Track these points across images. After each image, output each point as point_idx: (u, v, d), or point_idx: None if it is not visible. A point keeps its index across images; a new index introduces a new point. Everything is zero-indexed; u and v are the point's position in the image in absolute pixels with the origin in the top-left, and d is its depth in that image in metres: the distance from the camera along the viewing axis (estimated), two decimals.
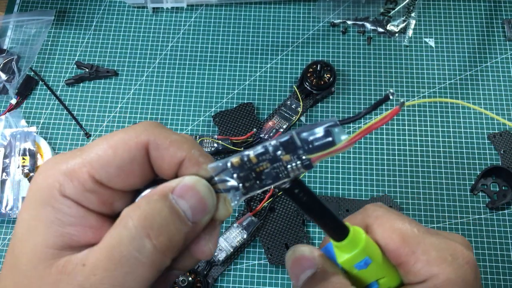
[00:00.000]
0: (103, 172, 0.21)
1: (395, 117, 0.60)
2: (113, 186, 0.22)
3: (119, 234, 0.20)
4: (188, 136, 0.23)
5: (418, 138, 0.59)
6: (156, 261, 0.20)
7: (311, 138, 0.21)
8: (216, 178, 0.22)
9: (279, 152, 0.21)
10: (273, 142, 0.21)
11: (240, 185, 0.21)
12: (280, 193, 0.55)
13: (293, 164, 0.21)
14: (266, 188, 0.21)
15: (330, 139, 0.22)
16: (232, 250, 0.52)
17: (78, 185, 0.21)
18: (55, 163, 0.22)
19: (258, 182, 0.21)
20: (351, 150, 0.58)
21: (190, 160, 0.22)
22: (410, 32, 0.64)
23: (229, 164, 0.21)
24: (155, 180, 0.23)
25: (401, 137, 0.59)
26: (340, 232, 0.23)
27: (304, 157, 0.21)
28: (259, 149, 0.21)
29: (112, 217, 0.22)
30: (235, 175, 0.21)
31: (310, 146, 0.21)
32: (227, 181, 0.21)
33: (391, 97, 0.22)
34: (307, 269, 0.24)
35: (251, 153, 0.21)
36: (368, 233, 0.25)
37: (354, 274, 0.24)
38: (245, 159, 0.21)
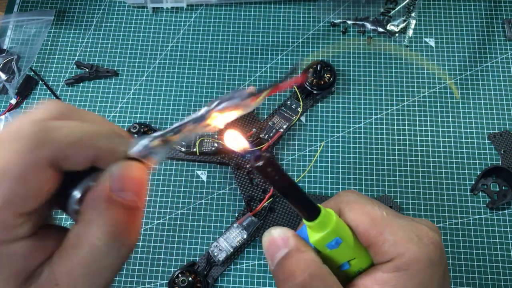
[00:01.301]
0: (22, 206, 0.20)
1: (395, 117, 0.60)
2: (35, 207, 0.21)
3: (91, 257, 0.20)
4: (93, 119, 0.22)
5: (418, 138, 0.59)
6: (130, 252, 0.21)
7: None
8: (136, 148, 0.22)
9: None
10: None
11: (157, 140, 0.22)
12: None
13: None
14: (184, 124, 0.22)
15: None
16: (232, 250, 0.52)
17: (5, 229, 0.20)
18: None
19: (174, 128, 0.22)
20: (352, 150, 0.58)
21: (103, 152, 0.21)
22: (410, 32, 0.64)
23: (149, 143, 0.22)
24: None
25: (401, 137, 0.59)
26: (312, 212, 0.24)
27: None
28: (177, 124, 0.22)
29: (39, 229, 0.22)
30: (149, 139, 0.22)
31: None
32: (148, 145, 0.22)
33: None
34: (282, 249, 0.25)
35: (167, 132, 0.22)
36: (341, 217, 0.26)
37: (326, 254, 0.25)
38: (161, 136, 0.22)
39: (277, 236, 0.25)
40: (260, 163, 0.22)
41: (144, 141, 0.22)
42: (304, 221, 0.25)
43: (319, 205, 0.25)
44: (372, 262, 0.26)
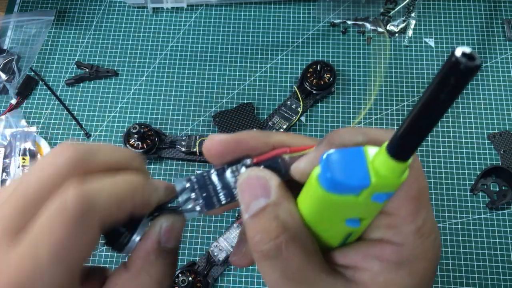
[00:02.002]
0: (76, 272, 0.21)
1: (395, 117, 0.60)
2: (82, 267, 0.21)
3: None
4: (119, 156, 0.23)
5: None
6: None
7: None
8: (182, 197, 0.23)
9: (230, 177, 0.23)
10: (231, 168, 0.23)
11: (198, 208, 0.23)
12: None
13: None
14: (222, 204, 0.23)
15: (279, 164, 0.22)
16: (232, 250, 0.52)
17: None
18: None
19: (215, 198, 0.23)
20: None
21: (138, 205, 0.22)
22: (410, 32, 0.64)
23: (187, 184, 0.23)
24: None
25: None
26: (409, 150, 0.18)
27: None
28: (217, 168, 0.23)
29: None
30: (194, 195, 0.23)
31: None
32: (189, 201, 0.23)
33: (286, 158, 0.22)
34: (261, 198, 0.20)
35: (211, 171, 0.23)
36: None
37: (355, 201, 0.19)
38: (205, 175, 0.23)
39: (256, 180, 0.21)
40: (473, 64, 0.14)
41: (187, 204, 0.23)
42: (381, 153, 0.18)
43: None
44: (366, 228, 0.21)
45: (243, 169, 0.22)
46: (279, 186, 0.21)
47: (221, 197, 0.22)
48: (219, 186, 0.22)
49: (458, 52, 0.14)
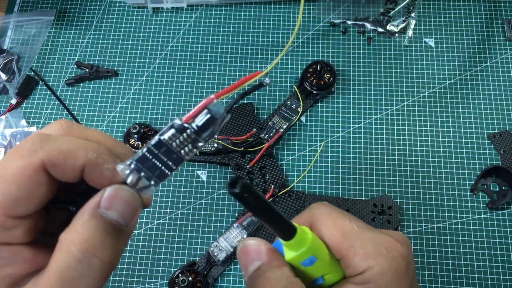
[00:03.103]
0: (15, 207, 0.22)
1: (395, 117, 0.60)
2: (28, 213, 0.22)
3: (65, 260, 0.21)
4: (90, 135, 0.24)
5: (418, 138, 0.59)
6: (105, 271, 0.22)
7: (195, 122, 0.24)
8: (130, 179, 0.24)
9: (172, 141, 0.24)
10: (165, 135, 0.24)
11: (152, 181, 0.24)
12: (280, 193, 0.55)
13: (185, 139, 0.24)
14: (174, 169, 0.24)
15: (209, 115, 0.24)
16: (232, 250, 0.52)
17: None
18: None
19: (163, 167, 0.24)
20: (352, 150, 0.58)
21: (90, 165, 0.23)
22: (410, 32, 0.64)
23: (133, 165, 0.24)
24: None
25: (401, 137, 0.59)
26: (288, 232, 0.24)
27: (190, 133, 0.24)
28: (153, 141, 0.24)
29: (36, 241, 0.23)
30: (143, 173, 0.24)
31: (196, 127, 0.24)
32: (140, 179, 0.24)
33: (265, 84, 0.27)
34: (255, 261, 0.25)
35: (149, 145, 0.24)
36: (313, 230, 0.26)
37: (301, 270, 0.26)
38: (147, 153, 0.24)
39: (250, 247, 0.26)
40: (237, 189, 0.22)
41: (129, 161, 0.24)
42: (280, 239, 0.25)
43: (294, 223, 0.25)
44: (344, 275, 0.26)
45: (171, 131, 0.24)
46: (268, 250, 0.26)
47: (170, 164, 0.24)
48: (163, 156, 0.24)
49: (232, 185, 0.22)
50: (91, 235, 0.22)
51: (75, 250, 0.21)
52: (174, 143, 0.23)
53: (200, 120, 0.24)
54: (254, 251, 0.26)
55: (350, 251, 0.25)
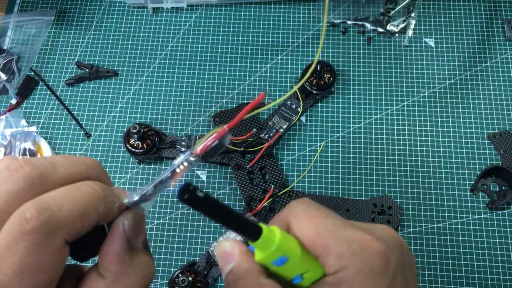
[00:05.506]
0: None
1: (395, 117, 0.60)
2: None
3: None
4: (87, 173, 0.23)
5: (418, 138, 0.59)
6: None
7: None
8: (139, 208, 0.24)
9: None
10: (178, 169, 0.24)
11: (150, 200, 0.24)
12: (280, 193, 0.55)
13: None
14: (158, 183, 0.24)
15: (217, 141, 0.24)
16: None
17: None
18: None
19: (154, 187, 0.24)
20: (352, 150, 0.58)
21: (103, 217, 0.22)
22: (410, 32, 0.64)
23: (139, 197, 0.23)
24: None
25: (401, 137, 0.59)
26: (253, 233, 0.24)
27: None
28: (164, 177, 0.24)
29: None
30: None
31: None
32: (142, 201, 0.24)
33: (265, 102, 0.25)
34: (229, 263, 0.26)
35: (159, 181, 0.24)
36: (290, 229, 0.26)
37: (274, 270, 0.26)
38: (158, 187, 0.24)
39: (224, 250, 0.26)
40: (186, 196, 0.22)
41: (135, 196, 0.23)
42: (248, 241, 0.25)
43: (261, 224, 0.25)
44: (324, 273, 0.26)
45: (182, 166, 0.24)
46: (240, 252, 0.26)
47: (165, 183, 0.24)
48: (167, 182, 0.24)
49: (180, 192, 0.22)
50: (141, 275, 0.23)
51: None
52: (178, 170, 0.24)
53: (210, 150, 0.24)
54: (228, 254, 0.26)
55: (324, 250, 0.25)
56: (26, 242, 0.19)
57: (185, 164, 0.24)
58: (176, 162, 0.24)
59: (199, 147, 0.23)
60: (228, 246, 0.26)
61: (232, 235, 0.53)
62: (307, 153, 0.58)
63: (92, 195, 0.21)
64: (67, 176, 0.22)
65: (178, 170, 0.23)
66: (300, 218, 0.26)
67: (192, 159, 0.23)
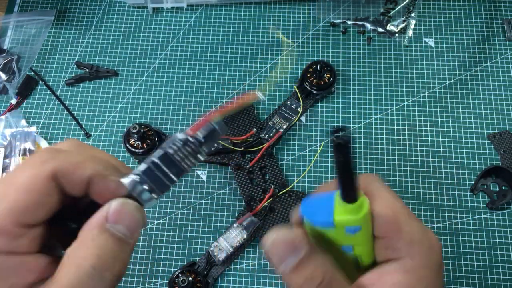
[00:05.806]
0: (24, 215, 0.23)
1: (395, 117, 0.60)
2: (36, 222, 0.23)
3: (76, 275, 0.22)
4: (96, 154, 0.26)
5: (418, 138, 0.59)
6: (114, 283, 0.23)
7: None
8: (135, 191, 0.25)
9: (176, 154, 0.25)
10: (170, 148, 0.25)
11: (154, 194, 0.25)
12: (280, 193, 0.55)
13: (187, 150, 0.25)
14: (175, 181, 0.25)
15: (212, 127, 0.25)
16: (232, 250, 0.52)
17: (6, 236, 0.22)
18: None
19: (166, 179, 0.25)
20: (351, 150, 0.58)
21: (96, 177, 0.24)
22: (410, 32, 0.64)
23: (138, 178, 0.25)
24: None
25: (401, 137, 0.59)
26: (352, 195, 0.24)
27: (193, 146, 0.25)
28: (158, 154, 0.25)
29: (40, 250, 0.24)
30: (146, 186, 0.25)
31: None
32: (143, 191, 0.25)
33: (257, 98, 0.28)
34: (293, 255, 0.24)
35: (153, 158, 0.25)
36: (371, 201, 0.26)
37: (336, 233, 0.25)
38: (152, 166, 0.25)
39: (283, 241, 0.24)
40: (339, 141, 0.24)
41: (134, 176, 0.25)
42: (337, 198, 0.24)
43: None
44: (372, 252, 0.26)
45: (176, 144, 0.25)
46: (305, 241, 0.24)
47: (172, 176, 0.25)
48: (166, 168, 0.25)
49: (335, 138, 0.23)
50: (102, 251, 0.22)
51: (88, 265, 0.22)
52: (177, 156, 0.24)
53: (203, 132, 0.25)
54: (290, 245, 0.24)
55: (396, 234, 0.25)
56: (29, 164, 0.23)
57: (187, 148, 0.24)
58: (168, 140, 0.25)
59: (188, 129, 0.24)
60: (285, 236, 0.24)
61: (232, 235, 0.53)
62: (307, 153, 0.58)
63: (90, 157, 0.25)
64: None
65: (170, 150, 0.24)
66: (379, 195, 0.26)
67: (190, 139, 0.24)
